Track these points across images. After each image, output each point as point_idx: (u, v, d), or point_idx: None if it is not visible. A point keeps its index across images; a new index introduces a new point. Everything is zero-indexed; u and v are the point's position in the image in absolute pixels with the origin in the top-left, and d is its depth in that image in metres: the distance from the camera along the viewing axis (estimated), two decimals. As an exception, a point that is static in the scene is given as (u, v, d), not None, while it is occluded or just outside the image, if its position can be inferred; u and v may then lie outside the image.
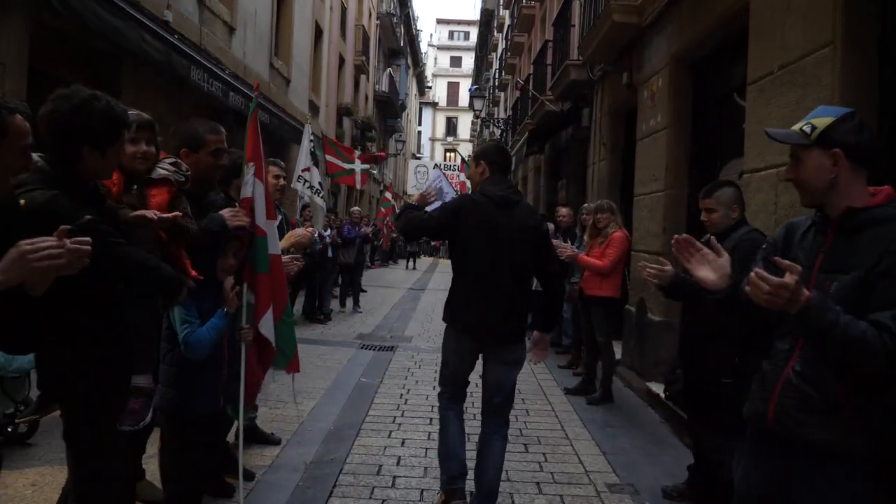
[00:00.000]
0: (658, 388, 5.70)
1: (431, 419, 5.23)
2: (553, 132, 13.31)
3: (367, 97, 26.41)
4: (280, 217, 4.39)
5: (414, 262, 27.87)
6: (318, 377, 6.65)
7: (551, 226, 7.59)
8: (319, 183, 9.10)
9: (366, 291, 15.45)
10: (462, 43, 66.64)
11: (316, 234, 9.13)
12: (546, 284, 3.72)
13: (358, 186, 13.86)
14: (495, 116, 25.38)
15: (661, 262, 2.86)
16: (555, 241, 4.85)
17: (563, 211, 8.68)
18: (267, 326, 3.26)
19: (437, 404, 3.86)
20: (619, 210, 6.76)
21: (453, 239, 3.65)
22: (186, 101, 8.96)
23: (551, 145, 14.33)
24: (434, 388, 5.59)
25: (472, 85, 51.36)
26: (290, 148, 14.63)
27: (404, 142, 32.26)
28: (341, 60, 20.83)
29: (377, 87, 28.81)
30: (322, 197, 9.24)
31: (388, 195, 21.14)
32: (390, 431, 5.08)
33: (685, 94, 6.82)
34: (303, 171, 8.74)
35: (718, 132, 6.30)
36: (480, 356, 3.67)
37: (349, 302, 12.17)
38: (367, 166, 14.09)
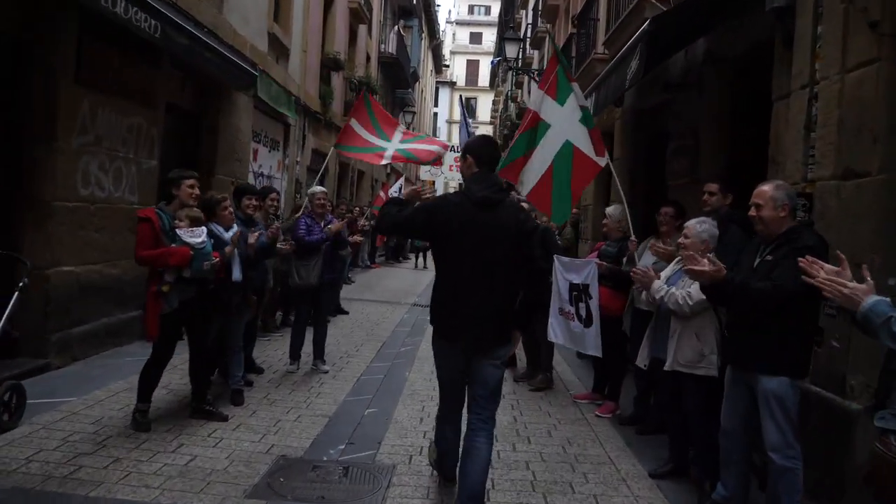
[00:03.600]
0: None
1: None
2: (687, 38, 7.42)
3: (368, 56, 21.58)
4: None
5: (424, 258, 23.06)
6: None
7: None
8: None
9: (347, 313, 10.75)
10: (482, 18, 62.06)
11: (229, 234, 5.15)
12: (528, 280, 3.92)
13: (383, 162, 8.34)
14: (532, 67, 19.75)
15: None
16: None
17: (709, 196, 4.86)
18: None
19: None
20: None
21: (432, 241, 3.62)
22: None
23: (644, 91, 9.37)
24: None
25: (493, 59, 46.67)
26: (232, 98, 9.86)
27: (414, 113, 27.29)
28: (331, -2, 16.00)
29: (382, 46, 23.96)
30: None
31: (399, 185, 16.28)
32: None
33: None
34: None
35: None
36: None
37: (311, 349, 7.36)
38: (410, 151, 8.08)
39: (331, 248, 6.61)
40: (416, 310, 12.06)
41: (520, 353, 7.81)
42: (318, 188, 6.70)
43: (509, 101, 30.65)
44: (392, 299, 13.21)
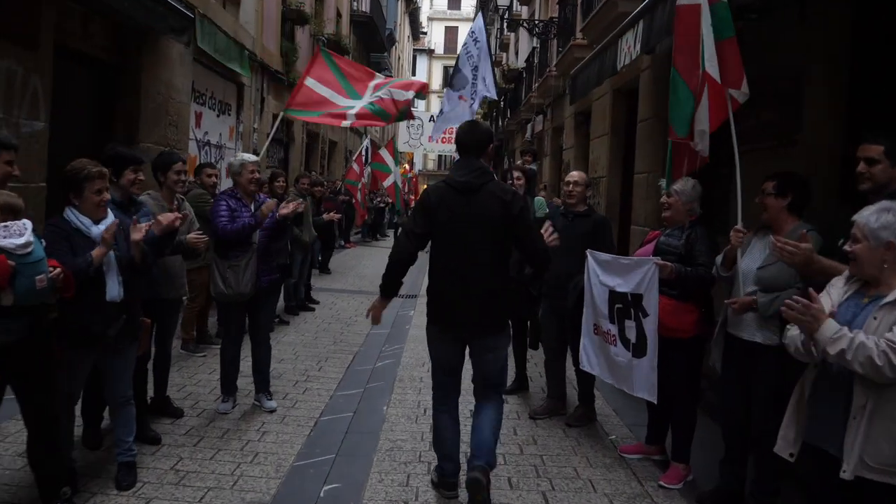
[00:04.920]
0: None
1: None
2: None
3: (339, 13, 19.39)
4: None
5: (405, 237, 21.16)
6: None
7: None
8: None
9: (313, 309, 8.88)
10: (462, -18, 59.42)
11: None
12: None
13: (346, 123, 6.90)
14: (531, 24, 17.35)
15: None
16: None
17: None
18: None
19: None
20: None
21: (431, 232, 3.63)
22: None
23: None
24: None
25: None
26: (162, 47, 7.83)
27: (390, 76, 25.17)
28: (292, -59, 13.85)
29: (355, 4, 21.73)
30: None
31: (387, 156, 14.06)
32: None
33: None
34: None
35: None
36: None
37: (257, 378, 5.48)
38: (378, 105, 6.76)
39: (268, 239, 4.73)
40: (395, 301, 10.16)
41: (535, 372, 6.04)
42: (247, 156, 4.71)
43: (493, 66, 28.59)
44: (368, 288, 11.33)
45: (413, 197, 33.48)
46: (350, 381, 5.89)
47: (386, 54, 27.08)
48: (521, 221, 3.48)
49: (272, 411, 4.87)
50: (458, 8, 59.16)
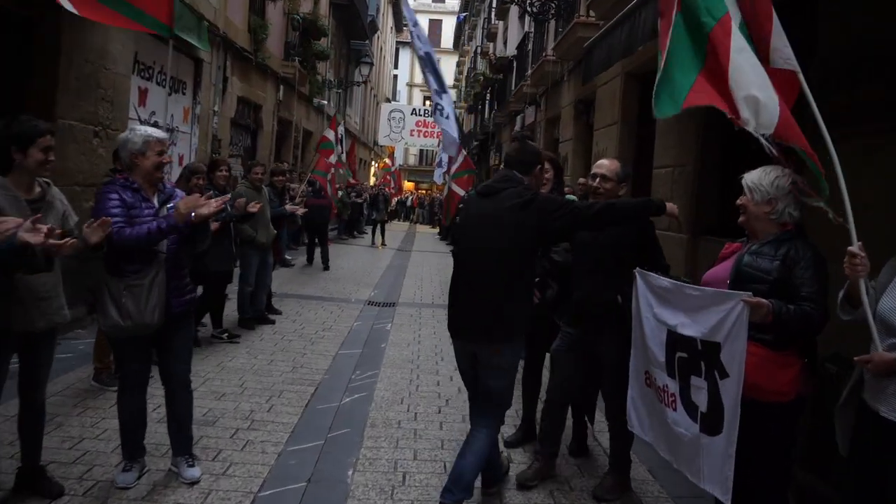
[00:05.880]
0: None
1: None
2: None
3: (317, -6, 17.97)
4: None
5: (382, 233, 19.81)
6: None
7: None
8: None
9: (273, 322, 7.52)
10: (447, -27, 58.21)
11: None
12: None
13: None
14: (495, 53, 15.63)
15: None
16: None
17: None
18: None
19: None
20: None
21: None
22: None
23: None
24: None
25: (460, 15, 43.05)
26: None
27: (372, 64, 23.64)
28: None
29: (335, -15, 20.29)
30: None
31: (330, 134, 12.74)
32: None
33: None
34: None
35: None
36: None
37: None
38: None
39: (178, 245, 3.38)
40: (371, 311, 8.89)
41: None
42: (151, 131, 3.27)
43: (478, 58, 27.30)
44: (340, 294, 10.00)
45: (396, 192, 32.17)
46: (307, 427, 4.57)
47: (367, 42, 25.64)
48: (543, 211, 3.18)
49: (194, 483, 3.54)
50: (443, 0, 57.87)
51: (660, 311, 3.03)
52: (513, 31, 20.82)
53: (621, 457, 3.80)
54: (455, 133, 8.81)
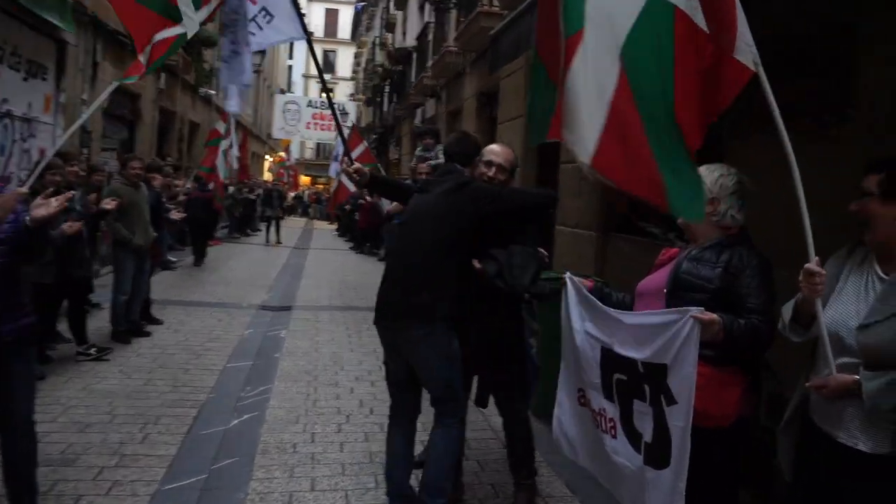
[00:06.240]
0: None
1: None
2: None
3: (201, -27, 16.81)
4: None
5: (277, 231, 18.92)
6: None
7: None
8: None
9: (149, 334, 6.73)
10: (343, -38, 56.99)
11: None
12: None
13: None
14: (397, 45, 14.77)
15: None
16: None
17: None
18: None
19: None
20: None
21: None
22: None
23: None
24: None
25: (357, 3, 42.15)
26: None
27: (263, 53, 22.57)
28: None
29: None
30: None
31: (220, 125, 11.87)
32: None
33: None
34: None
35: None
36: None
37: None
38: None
39: (9, 257, 2.69)
40: (264, 317, 8.23)
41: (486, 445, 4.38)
42: None
43: (377, 49, 26.70)
44: (230, 299, 9.24)
45: (291, 188, 31.08)
46: (188, 459, 3.97)
47: (259, 29, 24.46)
48: (475, 195, 3.16)
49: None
50: (340, -10, 56.73)
51: (591, 325, 2.68)
52: (413, 21, 20.38)
53: (523, 456, 3.50)
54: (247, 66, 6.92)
